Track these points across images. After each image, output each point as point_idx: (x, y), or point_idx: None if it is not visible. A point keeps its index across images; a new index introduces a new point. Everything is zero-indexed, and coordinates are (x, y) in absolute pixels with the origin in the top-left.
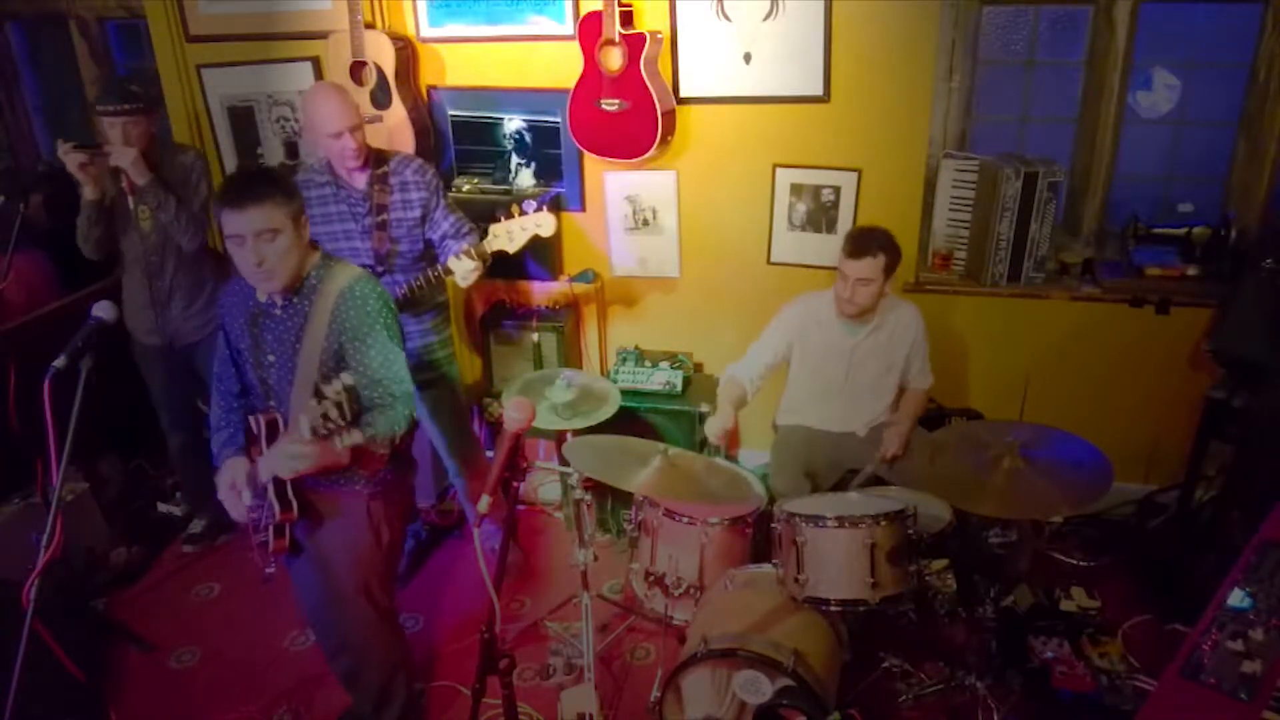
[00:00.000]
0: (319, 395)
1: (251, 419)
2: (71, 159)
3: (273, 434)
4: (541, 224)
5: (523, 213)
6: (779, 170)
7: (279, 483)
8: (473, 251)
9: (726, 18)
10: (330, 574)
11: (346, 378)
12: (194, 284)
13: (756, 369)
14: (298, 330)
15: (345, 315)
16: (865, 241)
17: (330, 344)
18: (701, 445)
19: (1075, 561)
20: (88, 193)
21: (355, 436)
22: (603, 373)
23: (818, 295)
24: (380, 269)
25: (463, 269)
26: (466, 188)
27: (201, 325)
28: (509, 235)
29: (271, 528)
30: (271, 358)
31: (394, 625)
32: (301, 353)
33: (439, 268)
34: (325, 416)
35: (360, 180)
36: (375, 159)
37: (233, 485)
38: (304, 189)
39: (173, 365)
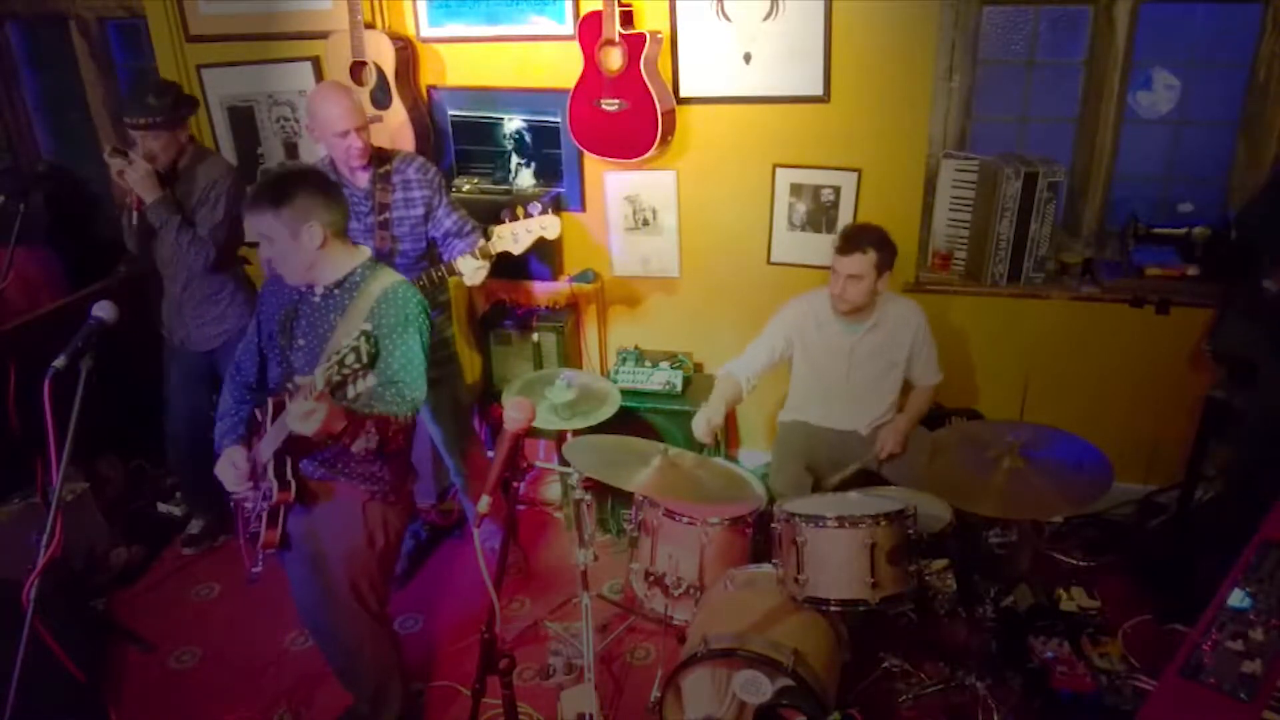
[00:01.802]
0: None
1: (258, 409)
2: (112, 164)
3: (279, 416)
4: (546, 226)
5: (527, 214)
6: (779, 170)
7: (279, 462)
8: (479, 252)
9: (726, 18)
10: (322, 570)
11: (366, 324)
12: (205, 298)
13: (755, 366)
14: (332, 319)
15: (383, 312)
16: (855, 237)
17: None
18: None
19: (1075, 561)
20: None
21: (370, 381)
22: (603, 373)
23: (820, 293)
24: None
25: (470, 268)
26: (467, 188)
27: (215, 335)
28: (513, 237)
29: (265, 515)
30: (301, 342)
31: (386, 629)
32: (331, 340)
33: (442, 267)
34: (341, 363)
35: (363, 179)
36: (378, 158)
37: (232, 464)
38: None
39: (190, 368)
